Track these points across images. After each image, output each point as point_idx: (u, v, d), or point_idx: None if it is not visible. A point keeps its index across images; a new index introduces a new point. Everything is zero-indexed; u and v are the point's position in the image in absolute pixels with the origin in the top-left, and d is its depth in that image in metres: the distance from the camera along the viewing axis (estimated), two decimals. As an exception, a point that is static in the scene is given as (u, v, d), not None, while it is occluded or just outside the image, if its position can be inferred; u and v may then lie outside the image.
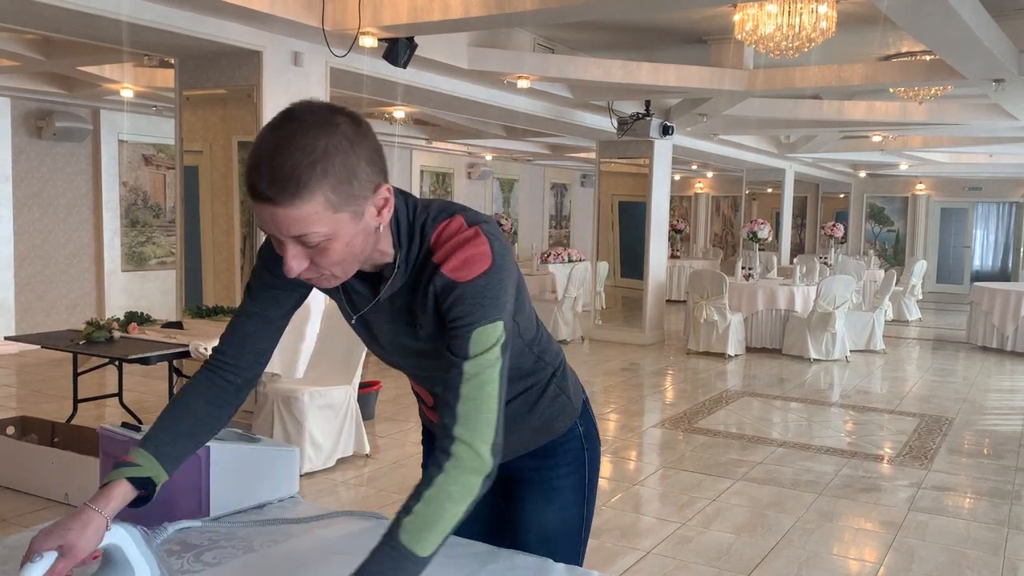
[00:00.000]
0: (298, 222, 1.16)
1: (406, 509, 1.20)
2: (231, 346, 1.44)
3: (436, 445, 1.27)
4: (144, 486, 1.31)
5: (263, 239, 1.37)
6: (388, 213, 1.27)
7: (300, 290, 1.45)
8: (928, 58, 6.63)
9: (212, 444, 1.58)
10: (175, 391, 5.01)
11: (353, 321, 1.45)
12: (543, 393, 1.61)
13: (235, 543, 1.52)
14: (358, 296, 1.41)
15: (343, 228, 1.20)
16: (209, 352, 3.57)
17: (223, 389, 1.43)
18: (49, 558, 1.19)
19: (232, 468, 1.62)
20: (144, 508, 1.56)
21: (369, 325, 1.45)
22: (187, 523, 1.43)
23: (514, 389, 1.55)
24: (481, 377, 1.25)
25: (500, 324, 1.28)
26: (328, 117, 1.18)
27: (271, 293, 1.43)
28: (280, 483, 1.72)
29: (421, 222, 1.32)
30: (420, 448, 1.81)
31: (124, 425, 1.59)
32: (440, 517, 1.20)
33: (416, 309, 1.36)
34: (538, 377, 1.60)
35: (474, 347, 1.26)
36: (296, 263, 1.22)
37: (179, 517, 1.58)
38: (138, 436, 1.50)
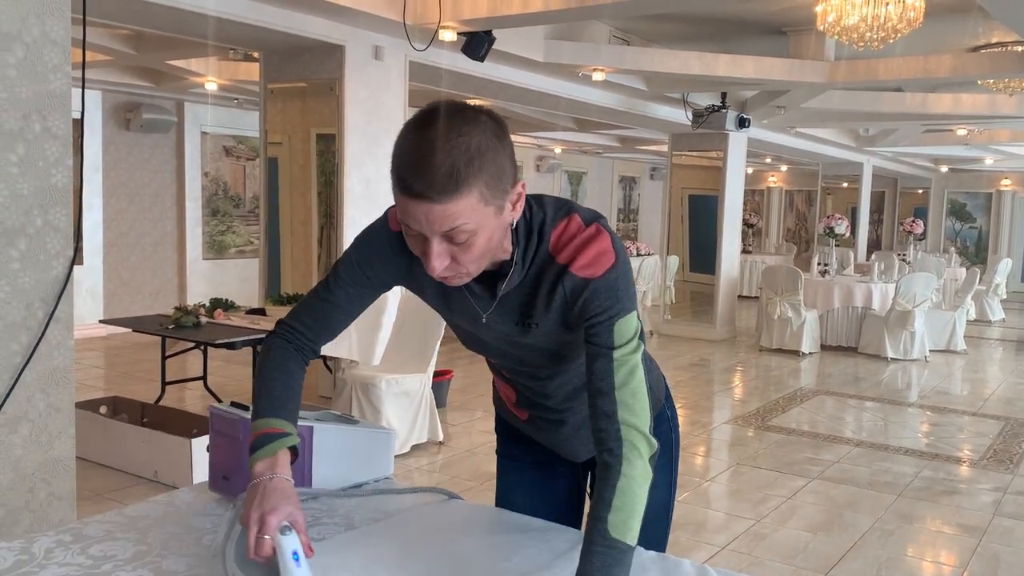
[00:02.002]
0: (451, 217, 1.18)
1: (606, 505, 1.25)
2: (310, 327, 1.47)
3: (600, 432, 1.31)
4: (295, 452, 1.38)
5: (348, 230, 1.39)
6: (521, 207, 1.30)
7: (388, 286, 1.47)
8: (1020, 48, 6.39)
9: (315, 425, 1.64)
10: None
11: (484, 321, 1.43)
12: None
13: (336, 519, 1.59)
14: (478, 294, 1.41)
15: (488, 222, 1.22)
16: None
17: (296, 359, 1.47)
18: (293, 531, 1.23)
19: (333, 448, 1.68)
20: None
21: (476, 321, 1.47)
22: None
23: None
24: (629, 364, 1.31)
25: (634, 314, 1.34)
26: (475, 116, 1.21)
27: (361, 291, 1.46)
28: (376, 464, 1.78)
29: (539, 221, 1.34)
30: (489, 437, 1.84)
31: (233, 404, 1.66)
32: (637, 504, 1.27)
33: (533, 308, 1.38)
34: None
35: (617, 338, 1.31)
36: (439, 261, 1.23)
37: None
38: (247, 415, 1.56)
